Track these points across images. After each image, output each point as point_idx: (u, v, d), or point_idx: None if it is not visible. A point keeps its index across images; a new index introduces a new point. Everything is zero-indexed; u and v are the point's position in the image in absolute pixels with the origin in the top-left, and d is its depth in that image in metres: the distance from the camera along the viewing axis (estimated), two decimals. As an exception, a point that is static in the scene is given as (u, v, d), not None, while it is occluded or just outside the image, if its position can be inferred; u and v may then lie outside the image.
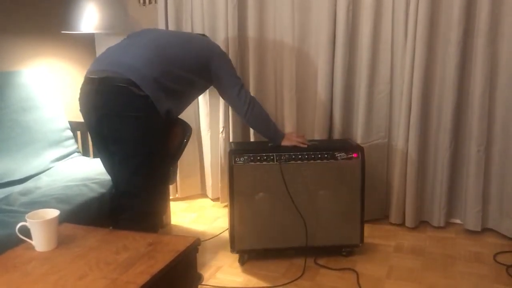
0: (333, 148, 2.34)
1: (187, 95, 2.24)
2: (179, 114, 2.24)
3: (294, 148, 2.34)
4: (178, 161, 2.31)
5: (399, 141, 2.73)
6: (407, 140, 2.70)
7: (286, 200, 2.31)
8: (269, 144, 2.40)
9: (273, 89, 2.98)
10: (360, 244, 2.39)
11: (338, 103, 2.80)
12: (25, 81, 2.57)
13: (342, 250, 2.41)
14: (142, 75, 1.93)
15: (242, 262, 2.37)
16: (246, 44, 2.96)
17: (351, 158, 2.31)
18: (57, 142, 2.60)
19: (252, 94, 2.96)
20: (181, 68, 2.08)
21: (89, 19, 2.89)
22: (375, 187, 2.84)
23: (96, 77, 1.97)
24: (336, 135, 2.83)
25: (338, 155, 2.30)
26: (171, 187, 3.02)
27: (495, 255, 2.42)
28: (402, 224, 2.79)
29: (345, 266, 2.32)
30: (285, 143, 2.36)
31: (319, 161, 2.31)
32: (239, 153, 2.32)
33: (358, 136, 2.78)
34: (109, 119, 1.94)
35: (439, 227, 2.75)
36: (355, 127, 2.83)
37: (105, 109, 1.94)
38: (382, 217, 2.89)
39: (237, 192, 2.31)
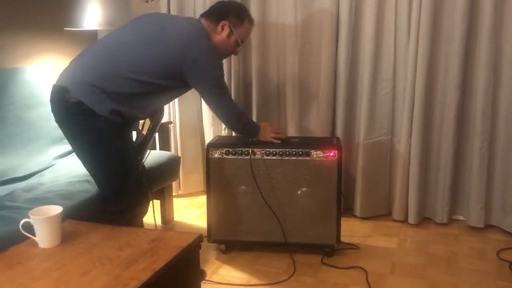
0: (309, 145, 2.33)
1: (151, 96, 2.04)
2: (148, 111, 2.16)
3: (269, 144, 2.34)
4: (149, 152, 2.27)
5: (402, 138, 2.73)
6: (410, 136, 2.69)
7: (260, 195, 2.33)
8: (249, 139, 2.38)
9: (276, 86, 2.98)
10: (336, 245, 2.36)
11: (340, 100, 2.80)
12: (29, 77, 2.58)
13: (323, 249, 2.39)
14: (76, 81, 1.93)
15: (221, 252, 2.44)
16: (249, 41, 2.95)
17: (327, 157, 2.29)
18: (61, 139, 2.59)
19: (254, 90, 2.98)
20: (134, 72, 1.94)
21: (92, 16, 2.89)
22: (378, 183, 2.84)
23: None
24: (339, 131, 2.83)
25: (314, 153, 2.29)
26: (173, 184, 3.02)
27: (498, 252, 2.42)
28: (405, 221, 2.79)
29: (348, 262, 2.32)
30: (260, 138, 2.36)
31: (293, 158, 2.31)
32: (215, 146, 2.36)
33: (361, 133, 2.78)
34: (61, 128, 2.03)
35: (442, 224, 2.75)
36: (358, 123, 2.83)
37: (56, 119, 2.03)
38: (385, 214, 2.89)
39: (213, 184, 2.37)
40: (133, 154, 2.14)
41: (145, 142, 2.22)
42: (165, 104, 2.39)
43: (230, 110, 2.21)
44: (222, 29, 2.13)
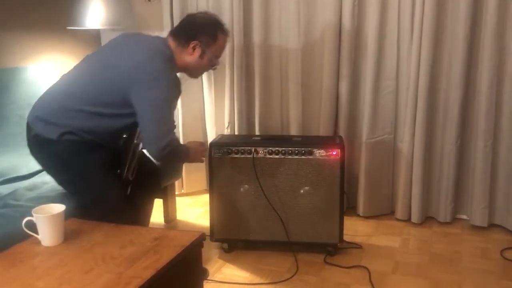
0: (311, 144, 2.32)
1: (109, 125, 1.90)
2: (110, 140, 1.93)
3: (271, 143, 2.33)
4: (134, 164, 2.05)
5: (405, 137, 2.72)
6: (413, 135, 2.69)
7: (262, 194, 2.33)
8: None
9: (279, 85, 2.98)
10: (339, 244, 2.35)
11: (343, 99, 2.79)
12: (31, 76, 2.58)
13: (326, 248, 2.38)
14: (33, 117, 1.93)
15: (224, 251, 2.43)
16: (251, 39, 2.95)
17: (330, 156, 2.28)
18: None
19: (257, 90, 2.98)
20: (88, 104, 1.86)
21: (95, 15, 2.90)
22: (381, 182, 2.84)
23: None
24: (342, 130, 2.82)
25: (317, 152, 2.29)
26: (176, 182, 3.02)
27: (502, 251, 2.41)
28: (408, 220, 2.79)
29: (351, 261, 2.32)
30: (192, 160, 2.12)
31: (296, 157, 2.30)
32: (218, 145, 2.35)
33: (364, 132, 2.78)
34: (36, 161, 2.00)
35: (445, 223, 2.74)
36: (361, 122, 2.82)
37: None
38: (388, 213, 2.88)
39: (216, 183, 2.36)
40: (103, 175, 1.90)
41: (123, 155, 2.00)
42: (133, 129, 1.99)
43: (160, 139, 1.83)
44: (194, 49, 1.98)
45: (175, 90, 1.91)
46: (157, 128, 1.82)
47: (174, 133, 1.87)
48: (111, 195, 1.88)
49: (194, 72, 2.09)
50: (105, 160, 1.91)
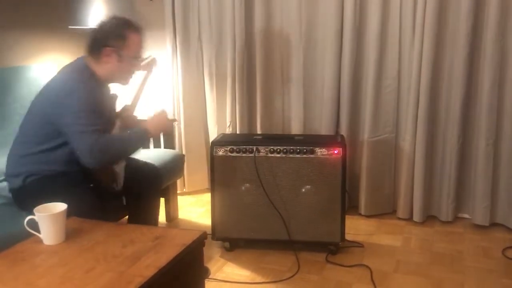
0: (313, 143, 2.32)
1: (56, 154, 1.90)
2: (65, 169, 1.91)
3: (273, 142, 2.33)
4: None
5: (406, 136, 2.72)
6: (414, 134, 2.68)
7: (264, 192, 2.33)
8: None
9: (280, 84, 2.98)
10: (340, 243, 2.36)
11: (345, 98, 2.79)
12: (34, 76, 2.59)
13: (328, 247, 2.38)
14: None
15: (225, 250, 2.44)
16: (253, 39, 2.95)
17: (331, 154, 2.28)
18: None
19: (258, 89, 2.98)
20: (29, 148, 1.92)
21: (97, 14, 2.90)
22: (383, 181, 2.84)
23: None
24: (343, 129, 2.82)
25: (319, 150, 2.29)
26: (178, 181, 3.03)
27: (503, 250, 2.40)
28: (409, 219, 2.78)
29: (353, 260, 2.32)
30: (153, 132, 2.00)
31: (298, 155, 2.30)
32: (219, 144, 2.36)
33: (366, 131, 2.77)
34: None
35: (447, 222, 2.74)
36: (362, 121, 2.82)
37: None
38: (390, 212, 2.88)
39: (217, 182, 2.37)
40: (75, 194, 1.80)
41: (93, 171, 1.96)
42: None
43: (86, 148, 1.78)
44: (109, 56, 1.92)
45: (90, 97, 1.84)
46: (80, 139, 1.78)
47: (99, 134, 1.80)
48: (86, 209, 1.77)
49: (120, 78, 2.02)
50: (74, 180, 1.90)
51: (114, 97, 2.14)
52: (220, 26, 3.00)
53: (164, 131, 2.11)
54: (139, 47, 1.99)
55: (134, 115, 2.22)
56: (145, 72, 2.25)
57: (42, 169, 1.90)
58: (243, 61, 2.97)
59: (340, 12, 2.71)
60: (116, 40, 1.92)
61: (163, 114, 2.06)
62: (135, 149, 1.95)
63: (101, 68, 1.95)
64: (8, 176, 1.97)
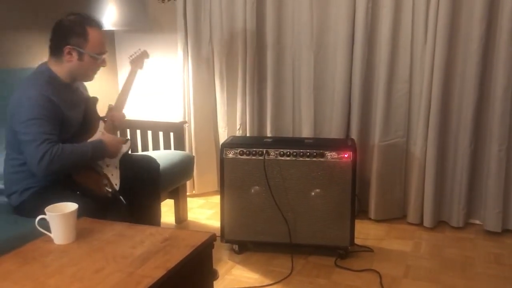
0: (323, 147, 2.31)
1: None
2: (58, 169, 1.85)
3: (283, 145, 2.33)
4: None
5: (418, 140, 2.70)
6: (426, 139, 2.66)
7: (274, 195, 2.32)
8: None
9: (291, 86, 2.98)
10: (350, 247, 2.34)
11: (356, 101, 2.78)
12: (46, 77, 2.61)
13: (337, 251, 2.37)
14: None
15: (234, 252, 2.44)
16: (264, 41, 2.96)
17: (341, 158, 2.27)
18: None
19: (269, 92, 2.98)
20: (13, 164, 1.95)
21: (109, 16, 2.92)
22: (393, 186, 2.82)
23: None
24: (354, 133, 2.81)
25: (329, 154, 2.28)
26: (188, 183, 3.03)
27: (515, 257, 2.38)
28: (420, 224, 2.76)
29: (362, 265, 2.31)
30: (110, 148, 1.99)
31: (307, 159, 2.29)
32: (229, 146, 2.35)
33: (376, 135, 2.76)
34: None
35: (458, 228, 2.71)
36: (373, 125, 2.80)
37: None
38: (400, 217, 2.86)
39: (227, 184, 2.37)
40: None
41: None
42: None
43: (34, 157, 1.76)
44: (70, 54, 1.89)
45: (43, 104, 1.80)
46: (29, 147, 1.77)
47: (50, 143, 1.77)
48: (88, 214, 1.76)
49: (82, 75, 1.99)
50: (67, 190, 1.89)
51: (93, 100, 2.10)
52: (231, 29, 3.00)
53: (116, 153, 2.04)
54: (100, 43, 1.95)
55: (122, 114, 2.18)
56: (132, 66, 2.25)
57: (35, 182, 1.90)
58: (254, 64, 2.98)
59: (352, 15, 2.70)
60: (76, 37, 1.89)
61: (118, 139, 2.06)
62: (88, 161, 1.94)
63: (63, 67, 1.92)
64: (7, 195, 1.97)
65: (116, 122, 2.14)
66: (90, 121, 2.06)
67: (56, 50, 1.91)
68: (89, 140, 1.97)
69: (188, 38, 3.09)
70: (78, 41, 1.89)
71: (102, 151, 1.95)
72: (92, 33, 1.91)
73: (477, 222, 2.76)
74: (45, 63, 1.96)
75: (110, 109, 2.17)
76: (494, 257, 2.40)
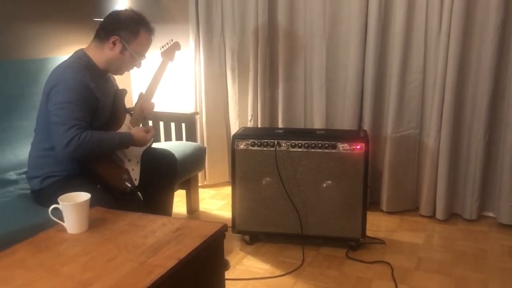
0: (335, 138, 2.29)
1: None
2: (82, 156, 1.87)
3: (294, 136, 2.32)
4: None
5: (431, 132, 2.67)
6: (439, 131, 2.64)
7: (285, 187, 2.32)
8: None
9: (303, 78, 2.96)
10: (361, 239, 2.33)
11: (368, 93, 2.76)
12: (59, 67, 2.62)
13: (349, 243, 2.36)
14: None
15: (245, 243, 2.45)
16: (276, 32, 2.94)
17: (353, 149, 2.25)
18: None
19: (280, 83, 2.97)
20: (41, 147, 1.97)
21: (121, 6, 2.93)
22: (405, 178, 2.80)
23: None
24: (366, 124, 2.79)
25: (341, 145, 2.26)
26: (199, 174, 3.04)
27: (529, 250, 2.35)
28: (432, 216, 2.74)
29: (373, 256, 2.30)
30: (138, 142, 2.02)
31: (319, 150, 2.28)
32: (241, 137, 2.35)
33: (389, 126, 2.74)
34: None
35: (471, 220, 2.69)
36: (386, 117, 2.78)
37: None
38: (412, 209, 2.84)
39: (238, 175, 2.37)
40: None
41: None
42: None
43: (61, 139, 1.79)
44: (114, 44, 1.94)
45: (78, 89, 1.84)
46: (58, 130, 1.80)
47: (79, 129, 1.79)
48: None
49: (117, 68, 2.04)
50: (86, 181, 1.91)
51: (123, 93, 2.12)
52: (243, 19, 2.99)
53: (144, 144, 2.08)
54: (144, 47, 2.03)
55: (152, 103, 2.19)
56: (164, 58, 2.23)
57: (57, 170, 1.92)
58: (265, 54, 2.96)
59: (365, 5, 2.67)
60: (128, 32, 1.96)
61: (150, 130, 2.08)
62: (113, 150, 1.98)
63: (103, 54, 1.97)
64: (28, 178, 2.00)
65: (145, 111, 2.15)
66: (117, 112, 2.07)
67: (103, 35, 1.96)
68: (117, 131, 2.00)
69: (200, 28, 3.09)
70: (127, 36, 1.96)
71: (128, 145, 2.00)
72: (143, 35, 1.99)
73: (491, 214, 2.73)
74: (81, 49, 2.00)
75: (140, 97, 2.17)
76: (507, 250, 2.38)
